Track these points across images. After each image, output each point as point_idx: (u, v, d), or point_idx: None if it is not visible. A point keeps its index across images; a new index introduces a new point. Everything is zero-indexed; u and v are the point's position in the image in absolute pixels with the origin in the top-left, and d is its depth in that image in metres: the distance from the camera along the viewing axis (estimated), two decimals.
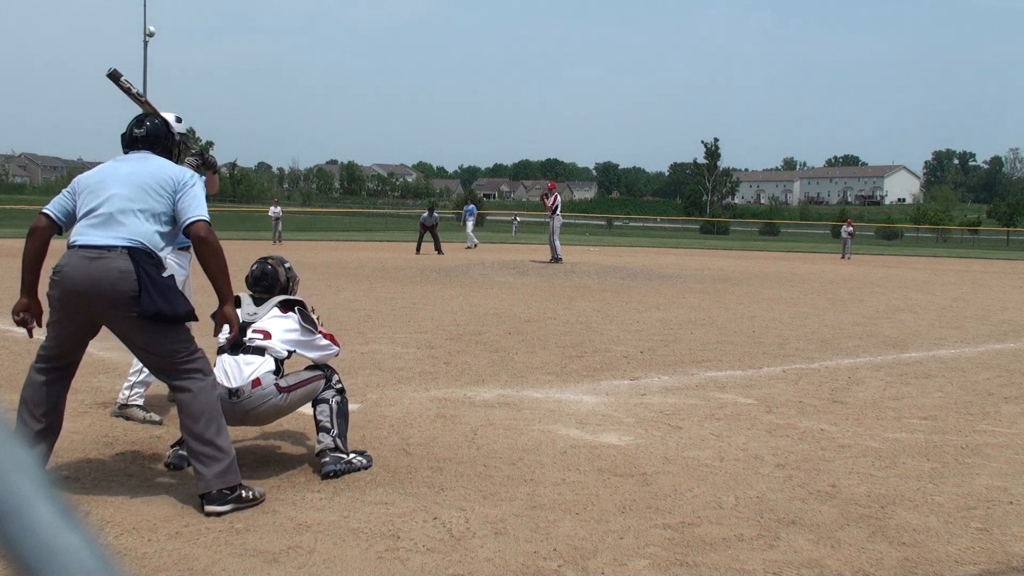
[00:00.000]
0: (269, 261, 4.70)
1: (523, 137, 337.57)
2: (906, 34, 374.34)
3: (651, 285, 17.06)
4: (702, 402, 6.28)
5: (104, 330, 3.93)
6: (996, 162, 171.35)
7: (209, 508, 3.70)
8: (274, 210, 33.80)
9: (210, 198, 4.64)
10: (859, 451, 5.04)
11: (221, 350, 4.31)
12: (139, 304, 3.66)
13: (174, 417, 5.45)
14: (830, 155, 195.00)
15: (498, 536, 3.55)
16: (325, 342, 4.53)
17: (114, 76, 4.96)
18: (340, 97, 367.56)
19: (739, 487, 4.29)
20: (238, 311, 4.27)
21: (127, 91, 5.03)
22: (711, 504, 4.02)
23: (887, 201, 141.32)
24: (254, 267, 4.67)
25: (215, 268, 3.86)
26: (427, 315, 11.17)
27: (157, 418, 5.33)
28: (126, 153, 4.10)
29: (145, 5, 36.58)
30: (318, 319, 4.62)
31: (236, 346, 4.29)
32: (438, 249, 28.65)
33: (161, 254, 3.86)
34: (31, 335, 3.99)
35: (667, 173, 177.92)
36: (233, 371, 4.21)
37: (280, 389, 4.26)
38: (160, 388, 5.84)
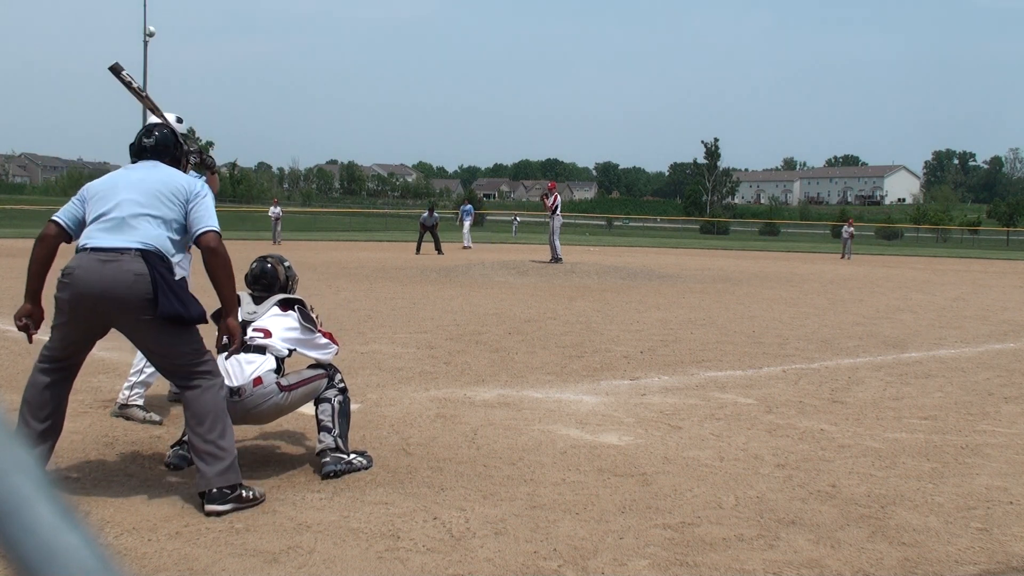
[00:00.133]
0: (268, 260, 4.71)
1: (523, 137, 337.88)
2: (906, 34, 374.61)
3: (651, 285, 17.06)
4: (702, 402, 6.28)
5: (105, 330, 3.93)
6: (996, 162, 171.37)
7: (209, 508, 3.70)
8: (274, 210, 33.75)
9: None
10: (859, 451, 5.04)
11: (219, 341, 4.31)
12: (156, 306, 3.67)
13: (174, 417, 5.46)
14: (830, 155, 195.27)
15: (498, 536, 3.55)
16: (325, 341, 4.54)
17: (115, 70, 4.97)
18: (340, 97, 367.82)
19: (739, 487, 4.29)
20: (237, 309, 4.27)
21: (128, 85, 5.04)
22: (711, 504, 4.02)
23: (887, 201, 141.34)
24: (253, 265, 4.67)
25: (223, 279, 3.89)
26: (427, 315, 11.17)
27: (157, 418, 5.33)
28: (134, 162, 4.13)
29: (145, 5, 36.58)
30: (317, 318, 4.62)
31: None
32: (438, 249, 28.66)
33: (172, 260, 3.86)
34: (31, 340, 3.98)
35: (667, 173, 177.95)
36: (234, 370, 4.21)
37: (281, 388, 4.27)
38: (160, 388, 5.84)
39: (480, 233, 52.44)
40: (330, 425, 4.37)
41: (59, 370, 3.88)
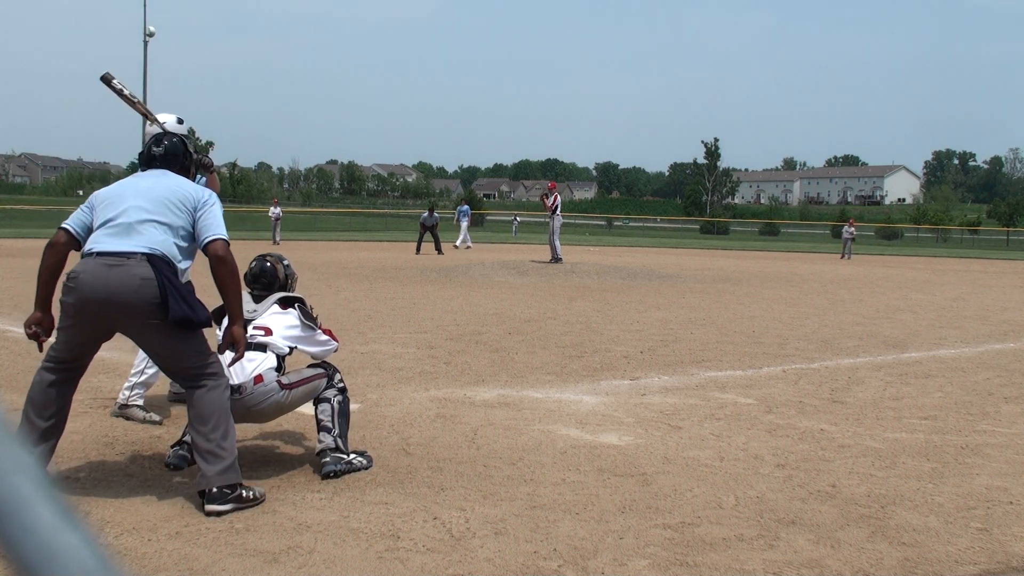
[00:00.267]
0: (268, 258, 4.71)
1: (523, 137, 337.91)
2: (906, 34, 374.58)
3: (651, 285, 17.06)
4: (702, 402, 6.28)
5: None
6: (996, 162, 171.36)
7: (209, 508, 3.70)
8: (274, 211, 33.70)
9: None
10: (859, 451, 5.04)
11: (221, 349, 4.31)
12: (166, 311, 3.68)
13: (174, 417, 5.46)
14: (830, 155, 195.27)
15: (498, 536, 3.55)
16: (325, 338, 4.55)
17: (106, 79, 5.00)
18: (340, 97, 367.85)
19: (739, 487, 4.29)
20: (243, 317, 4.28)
21: (119, 93, 5.05)
22: (711, 504, 4.02)
23: (887, 201, 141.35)
24: (253, 264, 4.68)
25: (229, 288, 3.90)
26: (427, 315, 11.18)
27: (157, 418, 5.33)
28: (144, 170, 4.15)
29: (145, 5, 36.61)
30: (316, 317, 4.63)
31: None
32: (438, 249, 28.66)
33: (179, 267, 3.86)
34: (41, 349, 3.98)
35: (667, 173, 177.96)
36: (235, 368, 4.21)
37: (282, 386, 4.27)
38: (160, 388, 5.84)
39: (480, 233, 52.43)
40: (330, 425, 4.37)
41: (64, 371, 3.90)
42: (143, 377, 5.32)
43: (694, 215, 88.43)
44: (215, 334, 4.28)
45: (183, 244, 3.91)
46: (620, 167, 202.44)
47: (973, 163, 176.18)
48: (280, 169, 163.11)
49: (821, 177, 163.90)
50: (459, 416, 5.63)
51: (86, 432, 5.00)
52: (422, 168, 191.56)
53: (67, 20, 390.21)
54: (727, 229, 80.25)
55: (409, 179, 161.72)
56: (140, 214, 3.84)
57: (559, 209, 21.42)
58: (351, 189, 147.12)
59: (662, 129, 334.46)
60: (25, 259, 18.74)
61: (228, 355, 4.03)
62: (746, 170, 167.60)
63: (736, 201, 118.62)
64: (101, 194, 4.01)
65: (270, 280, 4.61)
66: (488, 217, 77.57)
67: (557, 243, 20.94)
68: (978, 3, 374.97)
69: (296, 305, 4.51)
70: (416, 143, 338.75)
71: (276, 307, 4.49)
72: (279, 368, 4.32)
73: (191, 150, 4.32)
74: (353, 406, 4.84)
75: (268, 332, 4.37)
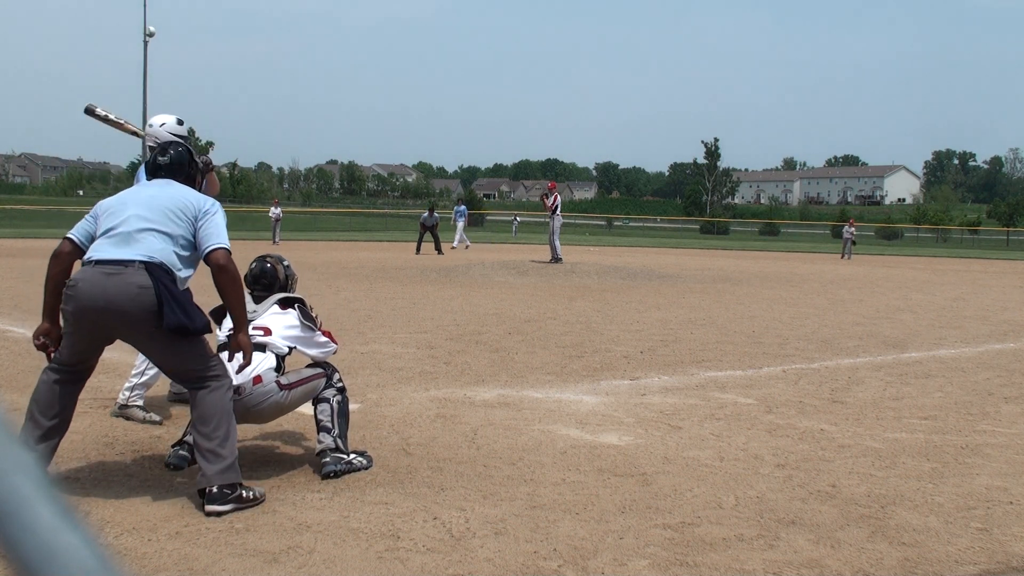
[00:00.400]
0: (268, 259, 4.71)
1: (523, 137, 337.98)
2: (906, 34, 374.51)
3: (651, 285, 17.06)
4: (702, 402, 6.28)
5: None
6: (996, 162, 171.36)
7: (210, 508, 3.70)
8: (274, 211, 33.69)
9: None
10: (859, 451, 5.04)
11: (221, 348, 4.32)
12: (162, 318, 3.69)
13: (174, 417, 5.46)
14: (830, 155, 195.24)
15: (498, 536, 3.56)
16: (324, 339, 4.55)
17: (90, 111, 5.04)
18: (340, 97, 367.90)
19: (739, 487, 4.29)
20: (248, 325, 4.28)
21: (105, 120, 5.07)
22: (711, 504, 4.02)
23: (887, 201, 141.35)
24: (253, 265, 4.68)
25: (232, 296, 3.92)
26: (427, 315, 11.17)
27: (157, 418, 5.33)
28: (149, 180, 4.17)
29: (145, 5, 36.59)
30: (316, 317, 4.63)
31: None
32: (438, 249, 28.65)
33: (179, 275, 3.87)
34: (49, 359, 3.98)
35: (667, 173, 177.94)
36: (234, 368, 4.21)
37: (281, 386, 4.27)
38: (160, 388, 5.84)
39: (480, 233, 52.45)
40: (329, 425, 4.37)
41: (69, 373, 3.93)
42: (143, 378, 5.32)
43: (694, 215, 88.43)
44: (216, 334, 4.28)
45: (184, 253, 3.92)
46: (620, 167, 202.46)
47: (973, 163, 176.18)
48: (280, 169, 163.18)
49: (821, 177, 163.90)
50: (459, 416, 5.63)
51: (86, 432, 5.00)
52: (422, 168, 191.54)
53: (67, 20, 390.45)
54: (727, 229, 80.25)
55: (409, 179, 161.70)
56: (140, 223, 3.86)
57: (559, 209, 21.42)
58: (351, 189, 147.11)
59: (662, 129, 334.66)
60: (25, 259, 18.72)
61: (236, 362, 4.03)
62: (746, 170, 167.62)
63: (736, 201, 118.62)
64: (105, 204, 4.04)
65: (271, 281, 4.61)
66: (488, 217, 77.56)
67: (557, 243, 20.94)
68: (978, 3, 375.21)
69: (296, 306, 4.52)
70: (416, 143, 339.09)
71: (276, 307, 4.49)
72: (278, 368, 4.32)
73: (196, 159, 4.34)
74: (353, 406, 4.84)
75: (267, 332, 4.37)
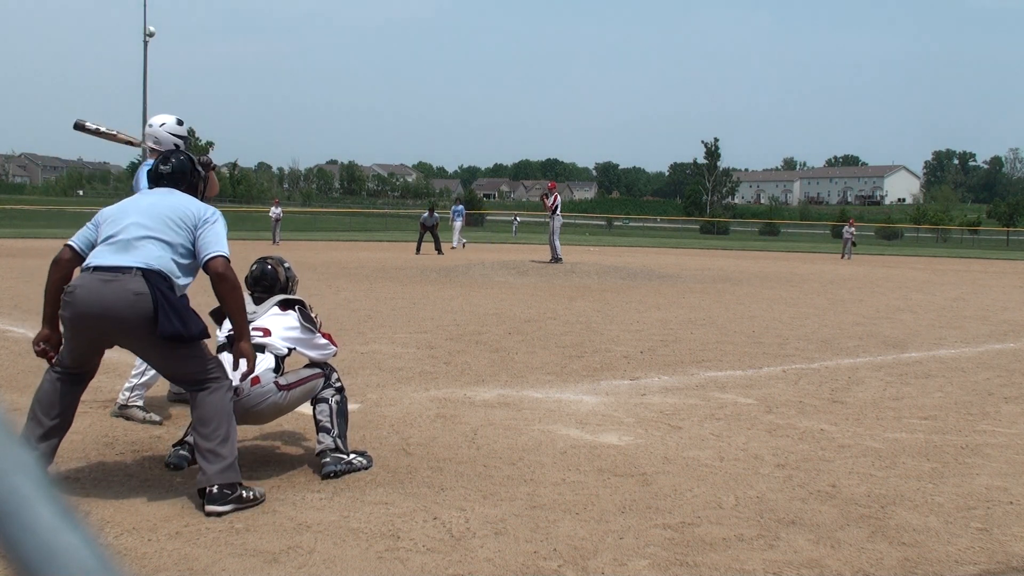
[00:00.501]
0: (268, 261, 4.71)
1: (523, 137, 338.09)
2: (906, 34, 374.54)
3: (651, 285, 17.06)
4: (702, 402, 6.28)
5: None
6: (996, 162, 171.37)
7: (210, 508, 3.71)
8: (275, 211, 33.67)
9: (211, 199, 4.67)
10: (859, 451, 5.04)
11: (221, 348, 4.32)
12: (157, 325, 3.70)
13: (174, 417, 5.46)
14: (830, 155, 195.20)
15: (498, 536, 3.56)
16: (324, 341, 4.54)
17: (79, 126, 5.04)
18: (340, 97, 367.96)
19: (739, 487, 4.29)
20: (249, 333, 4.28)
21: (97, 133, 5.07)
22: (711, 504, 4.02)
23: (887, 201, 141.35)
24: (254, 267, 4.68)
25: (232, 304, 3.93)
26: (427, 315, 11.17)
27: (157, 418, 5.33)
28: (151, 188, 4.19)
29: (145, 5, 36.63)
30: (316, 318, 4.63)
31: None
32: (438, 249, 28.66)
33: (177, 283, 3.87)
34: (51, 364, 3.99)
35: (667, 173, 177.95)
36: (237, 375, 4.21)
37: (279, 387, 4.27)
38: (160, 389, 5.84)
39: (480, 233, 52.44)
40: (329, 425, 4.37)
41: (71, 375, 3.95)
42: (143, 378, 5.32)
43: (694, 215, 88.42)
44: (216, 335, 4.28)
45: (183, 261, 3.93)
46: (620, 167, 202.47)
47: (973, 163, 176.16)
48: (280, 169, 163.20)
49: (821, 177, 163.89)
50: (459, 416, 5.63)
51: (86, 432, 5.00)
52: (422, 168, 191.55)
53: (67, 20, 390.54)
54: (727, 229, 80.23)
55: (409, 179, 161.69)
56: (139, 231, 3.87)
57: (559, 209, 21.42)
58: (351, 189, 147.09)
59: (662, 129, 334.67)
60: (25, 259, 18.73)
61: (240, 369, 4.04)
62: (746, 170, 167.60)
63: (736, 201, 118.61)
64: (106, 212, 4.06)
65: (271, 283, 4.62)
66: (488, 217, 77.55)
67: (557, 243, 20.94)
68: (978, 3, 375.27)
69: (297, 307, 4.52)
70: (416, 143, 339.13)
71: (276, 308, 4.49)
72: (277, 369, 4.32)
73: (197, 166, 4.35)
74: (353, 406, 4.84)
75: (267, 333, 4.37)
